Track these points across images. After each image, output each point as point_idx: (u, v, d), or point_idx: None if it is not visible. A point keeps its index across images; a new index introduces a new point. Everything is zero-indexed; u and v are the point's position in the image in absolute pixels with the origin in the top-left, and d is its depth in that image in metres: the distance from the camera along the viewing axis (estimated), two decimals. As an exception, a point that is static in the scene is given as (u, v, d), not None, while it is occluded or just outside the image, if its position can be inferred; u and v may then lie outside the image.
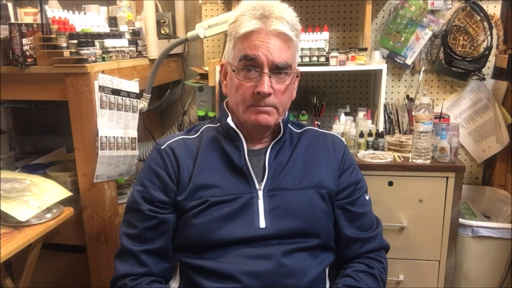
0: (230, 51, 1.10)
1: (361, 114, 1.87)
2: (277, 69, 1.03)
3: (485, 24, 1.95)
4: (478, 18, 1.97)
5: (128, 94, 1.59)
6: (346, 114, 1.93)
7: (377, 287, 1.08)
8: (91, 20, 1.68)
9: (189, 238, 1.06)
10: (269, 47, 1.01)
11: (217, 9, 2.15)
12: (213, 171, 1.08)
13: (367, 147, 1.79)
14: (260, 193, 1.06)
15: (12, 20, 1.54)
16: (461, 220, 1.71)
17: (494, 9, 1.98)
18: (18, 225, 1.34)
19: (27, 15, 1.54)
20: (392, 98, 2.12)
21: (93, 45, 1.51)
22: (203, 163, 1.09)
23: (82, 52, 1.46)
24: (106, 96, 1.50)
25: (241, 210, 1.04)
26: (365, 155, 1.72)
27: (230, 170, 1.08)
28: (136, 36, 1.79)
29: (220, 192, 1.05)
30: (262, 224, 1.04)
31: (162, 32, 2.09)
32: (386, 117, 1.98)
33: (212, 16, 2.12)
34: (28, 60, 1.47)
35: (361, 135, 1.78)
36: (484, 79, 2.00)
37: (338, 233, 1.13)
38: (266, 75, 1.02)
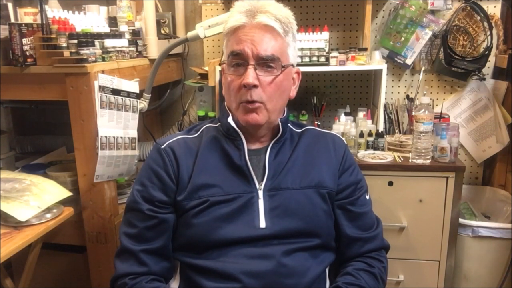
0: (223, 51, 1.11)
1: (361, 114, 1.87)
2: (263, 61, 1.03)
3: (485, 24, 1.96)
4: (478, 18, 1.97)
5: (128, 94, 1.59)
6: (346, 114, 1.92)
7: (377, 286, 1.08)
8: (91, 20, 1.68)
9: (189, 238, 1.06)
10: (254, 40, 1.02)
11: (217, 9, 2.15)
12: (213, 170, 1.08)
13: (367, 147, 1.79)
14: (260, 193, 1.06)
15: (12, 20, 1.54)
16: (461, 220, 1.71)
17: (494, 9, 1.98)
18: (18, 225, 1.34)
19: (27, 15, 1.54)
20: (392, 98, 2.12)
21: (93, 45, 1.51)
22: (203, 162, 1.09)
23: (82, 52, 1.46)
24: (106, 96, 1.50)
25: (241, 210, 1.04)
26: (365, 155, 1.72)
27: (230, 170, 1.08)
28: (136, 36, 1.79)
29: (220, 191, 1.05)
30: (262, 224, 1.04)
31: (162, 32, 2.09)
32: (386, 117, 1.98)
33: (212, 16, 2.12)
34: (28, 60, 1.47)
35: (361, 135, 1.78)
36: (484, 79, 1.99)
37: (339, 232, 1.13)
38: (251, 67, 1.02)
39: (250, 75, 1.01)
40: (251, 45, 1.02)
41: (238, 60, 1.04)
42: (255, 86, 1.02)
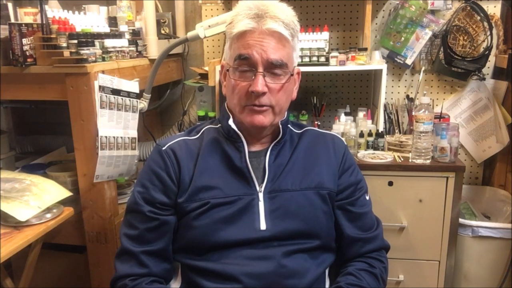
0: (227, 52, 1.10)
1: (361, 114, 1.87)
2: (272, 68, 1.03)
3: (485, 24, 1.95)
4: (478, 18, 1.97)
5: (128, 94, 1.59)
6: (346, 114, 1.92)
7: (378, 286, 1.08)
8: (91, 20, 1.68)
9: (190, 239, 1.06)
10: (263, 45, 1.02)
11: (217, 9, 2.15)
12: (214, 172, 1.08)
13: (367, 147, 1.79)
14: (261, 195, 1.06)
15: (12, 20, 1.54)
16: (461, 220, 1.71)
17: (494, 9, 1.98)
18: (18, 225, 1.34)
19: (27, 15, 1.54)
20: (392, 98, 2.12)
21: (93, 45, 1.51)
22: (204, 164, 1.09)
23: (82, 52, 1.46)
24: (106, 96, 1.50)
25: (241, 212, 1.04)
26: (365, 155, 1.72)
27: (230, 172, 1.08)
28: (136, 36, 1.79)
29: (221, 193, 1.05)
30: (263, 225, 1.04)
31: (162, 32, 2.09)
32: (386, 117, 1.98)
33: (212, 16, 2.12)
34: (28, 60, 1.47)
35: (361, 135, 1.78)
36: (484, 79, 2.00)
37: (339, 233, 1.13)
38: (260, 74, 1.02)
39: (259, 83, 1.01)
40: (261, 50, 1.01)
41: (246, 65, 1.03)
42: (263, 93, 1.02)
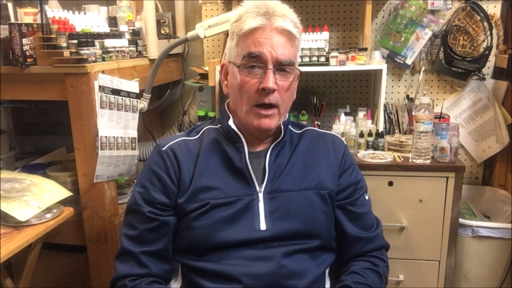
0: (232, 50, 1.09)
1: (361, 114, 1.87)
2: (281, 66, 1.03)
3: (485, 24, 1.96)
4: (478, 18, 1.97)
5: (128, 94, 1.59)
6: (346, 114, 1.93)
7: (381, 285, 1.09)
8: (91, 20, 1.68)
9: (190, 240, 1.06)
10: (273, 44, 1.02)
11: (217, 9, 2.15)
12: (214, 173, 1.08)
13: (367, 147, 1.79)
14: (261, 196, 1.06)
15: (12, 20, 1.54)
16: (461, 220, 1.71)
17: (494, 9, 1.98)
18: (18, 225, 1.34)
19: (27, 15, 1.54)
20: (392, 98, 2.12)
21: (93, 45, 1.51)
22: (204, 165, 1.09)
23: (82, 52, 1.46)
24: (106, 96, 1.50)
25: (241, 213, 1.04)
26: (365, 155, 1.72)
27: (230, 173, 1.08)
28: (136, 36, 1.79)
29: (221, 194, 1.05)
30: (263, 226, 1.04)
31: (162, 32, 2.09)
32: (386, 117, 1.98)
33: (212, 16, 2.12)
34: (28, 60, 1.48)
35: (361, 135, 1.78)
36: (484, 79, 2.00)
37: (340, 232, 1.13)
38: (271, 71, 1.02)
39: (271, 80, 1.01)
40: (271, 49, 1.01)
41: (256, 62, 1.03)
42: (273, 90, 1.02)
